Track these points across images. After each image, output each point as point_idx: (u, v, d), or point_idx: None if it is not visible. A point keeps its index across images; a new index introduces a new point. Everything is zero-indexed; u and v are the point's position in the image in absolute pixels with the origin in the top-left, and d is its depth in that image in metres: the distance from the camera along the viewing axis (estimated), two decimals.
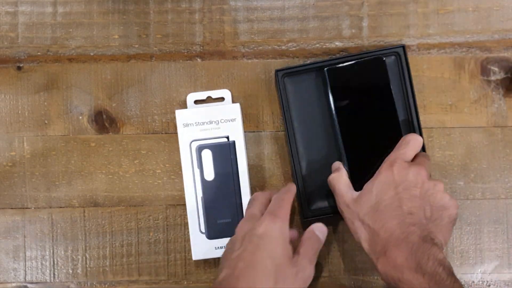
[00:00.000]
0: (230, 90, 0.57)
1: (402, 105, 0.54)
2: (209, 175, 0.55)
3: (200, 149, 0.55)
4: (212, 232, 0.56)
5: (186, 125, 0.55)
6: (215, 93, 0.57)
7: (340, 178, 0.51)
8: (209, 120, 0.55)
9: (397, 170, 0.49)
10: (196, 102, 0.57)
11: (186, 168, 0.55)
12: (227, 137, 0.55)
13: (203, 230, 0.56)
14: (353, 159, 0.52)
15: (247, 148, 0.57)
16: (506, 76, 0.56)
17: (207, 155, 0.55)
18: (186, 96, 0.57)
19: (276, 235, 0.46)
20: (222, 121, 0.55)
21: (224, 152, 0.55)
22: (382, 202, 0.48)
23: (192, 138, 0.55)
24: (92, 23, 0.56)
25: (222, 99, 0.57)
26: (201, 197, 0.55)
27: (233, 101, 0.57)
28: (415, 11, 0.56)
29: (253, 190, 0.56)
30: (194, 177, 0.55)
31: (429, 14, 0.56)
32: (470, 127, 0.56)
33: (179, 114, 0.55)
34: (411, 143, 0.50)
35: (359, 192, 0.50)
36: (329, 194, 0.54)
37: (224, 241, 0.55)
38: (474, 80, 0.56)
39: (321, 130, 0.55)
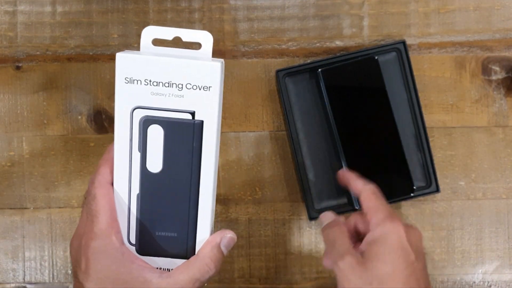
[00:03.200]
0: (212, 36, 0.40)
1: (404, 102, 0.54)
2: (155, 164, 0.38)
3: (146, 123, 0.38)
4: (145, 247, 0.40)
5: (130, 80, 0.37)
6: (188, 34, 0.39)
7: (342, 232, 0.44)
8: (168, 80, 0.37)
9: (407, 234, 0.42)
10: (156, 44, 0.40)
11: (120, 148, 0.38)
12: (192, 114, 0.38)
13: (132, 241, 0.40)
14: (351, 159, 0.53)
15: (220, 135, 0.41)
16: (507, 75, 0.56)
17: (156, 134, 0.38)
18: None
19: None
20: (189, 86, 0.37)
21: (183, 135, 0.38)
22: (398, 274, 0.40)
23: (135, 103, 0.37)
24: (91, 22, 0.56)
25: (198, 45, 0.39)
26: (137, 194, 0.39)
27: (216, 58, 0.39)
28: (416, 10, 0.56)
29: (217, 199, 0.44)
30: (130, 162, 0.39)
31: (430, 13, 0.56)
32: (471, 127, 0.56)
33: (121, 60, 0.37)
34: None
35: (366, 255, 0.42)
36: (334, 193, 0.54)
37: (161, 261, 0.40)
38: (475, 79, 0.56)
39: (324, 130, 0.55)
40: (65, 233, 0.56)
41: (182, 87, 0.38)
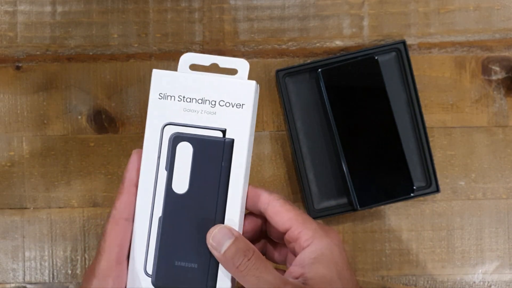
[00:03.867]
0: (248, 64, 0.40)
1: (404, 102, 0.54)
2: (181, 184, 0.37)
3: (176, 140, 0.37)
4: (162, 278, 0.37)
5: (164, 96, 0.37)
6: (225, 61, 0.39)
7: (261, 262, 0.36)
8: (202, 97, 0.37)
9: (339, 243, 0.39)
10: (194, 69, 0.40)
11: (146, 166, 0.37)
12: (223, 132, 0.37)
13: (149, 271, 0.38)
14: (351, 159, 0.53)
15: (250, 156, 0.39)
16: (507, 75, 0.56)
17: (184, 152, 0.36)
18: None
19: None
20: (222, 103, 0.37)
21: (212, 154, 0.37)
22: None
23: (167, 119, 0.37)
24: (91, 22, 0.56)
25: (234, 72, 0.39)
26: (159, 218, 0.37)
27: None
28: (416, 10, 0.56)
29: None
30: (156, 182, 0.37)
31: (430, 13, 0.56)
32: (471, 126, 0.56)
33: (157, 76, 0.37)
34: None
35: (309, 280, 0.36)
36: (334, 193, 0.54)
37: None
38: (475, 79, 0.56)
39: (324, 130, 0.55)
40: (65, 233, 0.56)
41: (215, 104, 0.37)
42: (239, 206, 0.37)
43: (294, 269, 0.37)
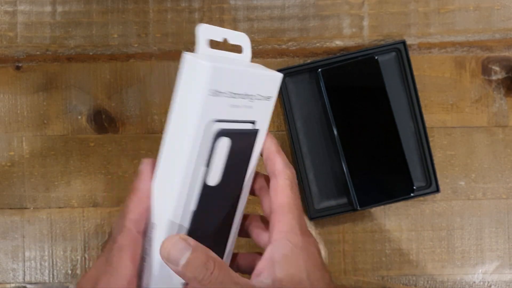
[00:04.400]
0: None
1: (404, 102, 0.54)
2: (214, 177, 0.36)
3: (218, 135, 0.35)
4: None
5: (217, 93, 0.34)
6: (232, 36, 0.38)
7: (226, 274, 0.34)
8: (245, 92, 0.35)
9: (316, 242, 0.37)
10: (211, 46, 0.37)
11: (189, 163, 0.34)
12: (253, 123, 0.37)
13: None
14: (351, 159, 0.53)
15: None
16: (507, 75, 0.56)
17: (223, 146, 0.35)
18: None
19: None
20: (258, 97, 0.36)
21: (243, 146, 0.37)
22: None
23: (215, 117, 0.34)
24: (91, 22, 0.56)
25: (239, 48, 0.38)
26: (192, 212, 0.36)
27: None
28: (416, 10, 0.56)
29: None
30: (193, 177, 0.35)
31: (430, 13, 0.56)
32: (471, 127, 0.56)
33: (212, 71, 0.33)
34: None
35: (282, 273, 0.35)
36: (334, 193, 0.54)
37: None
38: (475, 79, 0.56)
39: (324, 130, 0.54)
40: (65, 233, 0.56)
41: (253, 99, 0.36)
42: (246, 195, 0.39)
43: (263, 265, 0.36)
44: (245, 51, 0.39)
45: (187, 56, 0.34)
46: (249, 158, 0.37)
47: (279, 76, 0.38)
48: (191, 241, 0.34)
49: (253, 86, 0.36)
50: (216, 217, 0.37)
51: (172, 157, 0.35)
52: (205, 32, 0.36)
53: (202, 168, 0.35)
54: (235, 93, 0.35)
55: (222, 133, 0.35)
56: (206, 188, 0.36)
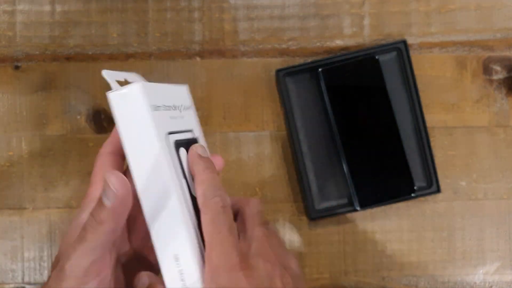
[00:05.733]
0: (191, 83, 0.44)
1: (405, 101, 0.54)
2: (193, 187, 0.38)
3: (177, 147, 0.37)
4: None
5: (156, 107, 0.36)
6: (128, 76, 0.42)
7: None
8: (173, 104, 0.38)
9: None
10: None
11: (174, 181, 0.35)
12: (191, 131, 0.40)
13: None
14: (351, 159, 0.53)
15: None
16: (509, 75, 0.56)
17: (184, 157, 0.37)
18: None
19: None
20: (183, 107, 0.39)
21: None
22: None
23: (167, 129, 0.36)
24: (91, 21, 0.56)
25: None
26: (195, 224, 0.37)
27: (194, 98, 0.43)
28: (416, 10, 0.56)
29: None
30: (183, 193, 0.36)
31: (431, 13, 0.56)
32: (472, 126, 0.56)
33: (142, 89, 0.35)
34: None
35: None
36: (334, 193, 0.54)
37: None
38: (476, 79, 0.56)
39: (325, 129, 0.54)
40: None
41: (181, 109, 0.39)
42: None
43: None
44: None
45: (111, 94, 0.36)
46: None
47: (186, 87, 0.43)
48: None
49: (175, 98, 0.39)
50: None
51: (155, 189, 0.35)
52: (110, 75, 0.39)
53: (183, 181, 0.37)
54: (167, 106, 0.37)
55: (179, 143, 0.37)
56: (194, 199, 0.37)
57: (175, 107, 0.38)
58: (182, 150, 0.37)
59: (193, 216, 0.37)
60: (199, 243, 0.36)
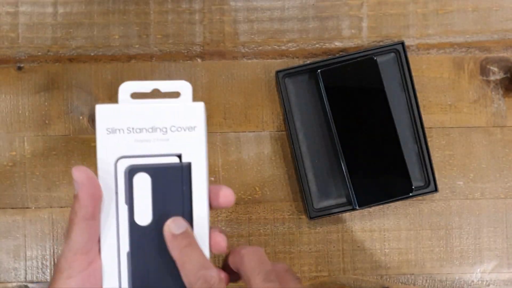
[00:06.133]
0: (192, 84, 0.39)
1: (403, 102, 0.54)
2: (144, 216, 0.36)
3: (131, 172, 0.36)
4: None
5: (112, 130, 0.36)
6: (167, 85, 0.38)
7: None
8: (152, 126, 0.36)
9: None
10: (135, 97, 0.38)
11: (106, 203, 0.35)
12: (179, 156, 0.37)
13: None
14: (350, 159, 0.53)
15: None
16: (506, 76, 0.56)
17: (142, 183, 0.36)
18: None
19: None
20: (173, 129, 0.36)
21: (172, 181, 0.36)
22: None
23: (120, 153, 0.36)
24: (93, 23, 0.56)
25: (177, 95, 0.38)
26: (127, 253, 0.36)
27: (196, 100, 0.38)
28: (414, 12, 0.56)
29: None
30: (117, 217, 0.36)
31: (428, 15, 0.56)
32: (470, 127, 0.56)
33: (101, 111, 0.36)
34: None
35: None
36: (333, 193, 0.54)
37: None
38: (474, 80, 0.56)
39: (324, 130, 0.55)
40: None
41: (166, 131, 0.36)
42: (206, 225, 0.37)
43: None
44: (183, 95, 0.38)
45: (96, 106, 0.36)
46: (185, 191, 0.36)
47: (198, 104, 0.37)
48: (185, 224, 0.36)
49: (163, 119, 0.36)
50: (161, 257, 0.36)
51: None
52: (125, 88, 0.37)
53: (124, 206, 0.36)
54: (138, 128, 0.36)
55: (134, 169, 0.36)
56: (136, 228, 0.36)
57: (153, 129, 0.36)
58: (141, 176, 0.36)
59: (123, 244, 0.36)
60: (118, 269, 0.36)
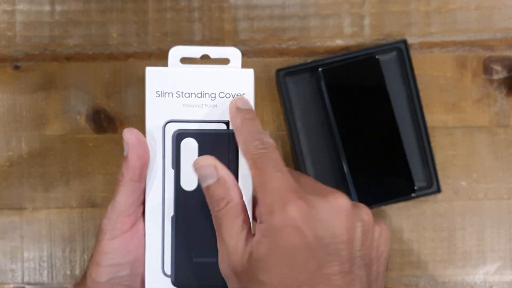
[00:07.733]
0: (240, 52, 0.39)
1: (405, 101, 0.54)
2: (190, 181, 0.36)
3: (179, 137, 0.36)
4: (183, 276, 0.36)
5: (162, 94, 0.36)
6: (217, 51, 0.39)
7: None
8: (201, 90, 0.36)
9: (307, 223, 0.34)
10: (184, 62, 0.39)
11: (153, 166, 0.36)
12: (227, 123, 0.37)
13: (168, 272, 0.37)
14: (351, 159, 0.53)
15: None
16: (509, 75, 0.56)
17: (190, 148, 0.36)
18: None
19: None
20: (222, 95, 0.37)
21: (218, 147, 0.36)
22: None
23: (168, 117, 0.36)
24: (90, 21, 0.56)
25: (226, 61, 0.39)
26: (172, 217, 0.37)
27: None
28: (417, 9, 0.56)
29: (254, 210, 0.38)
30: (164, 181, 0.37)
31: (431, 13, 0.56)
32: (473, 126, 0.56)
33: (151, 74, 0.37)
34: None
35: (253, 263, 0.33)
36: None
37: None
38: (477, 79, 0.56)
39: (325, 129, 0.54)
40: (64, 234, 0.56)
41: (215, 97, 0.37)
42: (250, 195, 0.37)
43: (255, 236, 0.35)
44: (232, 62, 0.39)
45: (146, 68, 0.37)
46: (231, 159, 0.36)
47: (248, 71, 0.38)
48: (220, 170, 0.35)
49: (213, 84, 0.37)
50: (205, 223, 0.36)
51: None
52: (175, 52, 0.38)
53: (170, 170, 0.37)
54: (187, 93, 0.36)
55: (182, 133, 0.36)
56: (182, 193, 0.37)
57: (202, 94, 0.36)
58: (188, 142, 0.36)
59: (168, 208, 0.37)
60: (162, 231, 0.37)
